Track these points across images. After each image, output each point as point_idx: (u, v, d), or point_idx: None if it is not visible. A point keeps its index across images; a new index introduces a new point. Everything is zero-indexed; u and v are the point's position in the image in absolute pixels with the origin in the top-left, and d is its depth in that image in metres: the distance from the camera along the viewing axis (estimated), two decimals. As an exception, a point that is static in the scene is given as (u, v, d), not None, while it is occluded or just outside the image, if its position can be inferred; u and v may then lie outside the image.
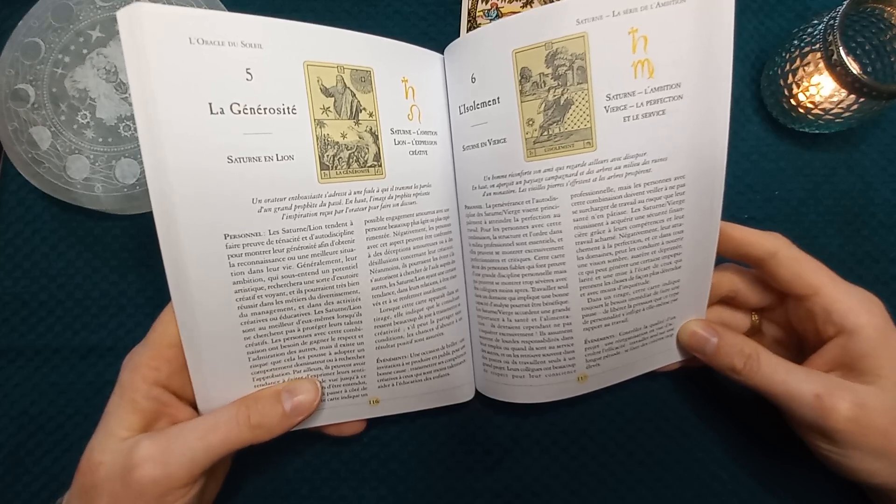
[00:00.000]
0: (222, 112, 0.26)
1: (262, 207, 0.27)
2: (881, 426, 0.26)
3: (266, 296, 0.28)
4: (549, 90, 0.29)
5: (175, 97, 0.25)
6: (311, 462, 0.36)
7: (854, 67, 0.31)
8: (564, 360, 0.32)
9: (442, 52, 0.33)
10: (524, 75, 0.29)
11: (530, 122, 0.29)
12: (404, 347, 0.31)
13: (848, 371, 0.28)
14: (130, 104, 0.36)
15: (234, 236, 0.27)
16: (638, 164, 0.29)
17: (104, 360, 0.37)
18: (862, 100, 0.33)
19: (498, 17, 0.40)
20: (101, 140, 0.35)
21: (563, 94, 0.29)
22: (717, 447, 0.36)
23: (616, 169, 0.29)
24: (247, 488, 0.36)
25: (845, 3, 0.32)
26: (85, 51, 0.36)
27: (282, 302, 0.28)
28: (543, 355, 0.32)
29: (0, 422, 0.36)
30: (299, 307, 0.29)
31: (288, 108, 0.27)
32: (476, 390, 0.35)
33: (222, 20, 0.26)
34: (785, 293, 0.31)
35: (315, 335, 0.30)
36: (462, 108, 0.32)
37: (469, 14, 0.40)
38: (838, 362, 0.29)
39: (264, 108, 0.27)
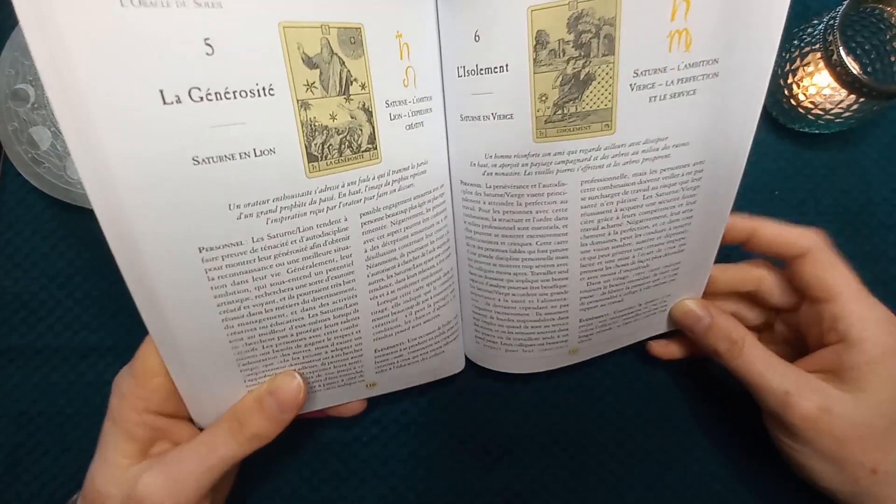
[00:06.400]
0: (178, 101, 0.20)
1: (241, 213, 0.23)
2: (840, 434, 0.27)
3: (253, 306, 0.25)
4: (568, 61, 0.25)
5: (110, 87, 0.19)
6: (311, 462, 0.36)
7: (854, 67, 0.31)
8: (558, 336, 0.32)
9: None
10: (540, 40, 0.25)
11: (543, 98, 0.26)
12: (402, 335, 0.30)
13: (832, 377, 0.28)
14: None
15: (211, 248, 0.23)
16: (657, 150, 0.26)
17: (104, 360, 0.37)
18: (862, 100, 0.33)
19: None
20: (100, 140, 0.35)
21: (584, 68, 0.25)
22: (718, 447, 0.36)
23: (633, 154, 0.26)
24: (246, 489, 0.36)
25: (845, 3, 0.32)
26: (85, 51, 0.36)
27: (272, 310, 0.26)
28: (538, 333, 0.32)
29: (0, 421, 0.36)
30: (291, 313, 0.26)
31: (263, 89, 0.22)
32: (467, 371, 0.35)
33: None
34: (802, 294, 0.31)
35: (310, 337, 0.28)
36: (461, 70, 0.27)
37: None
38: (827, 367, 0.28)
39: (233, 92, 0.21)
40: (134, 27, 0.19)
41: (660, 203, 0.28)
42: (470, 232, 0.31)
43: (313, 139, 0.24)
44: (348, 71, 0.24)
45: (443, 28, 0.28)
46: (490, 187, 0.28)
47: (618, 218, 0.28)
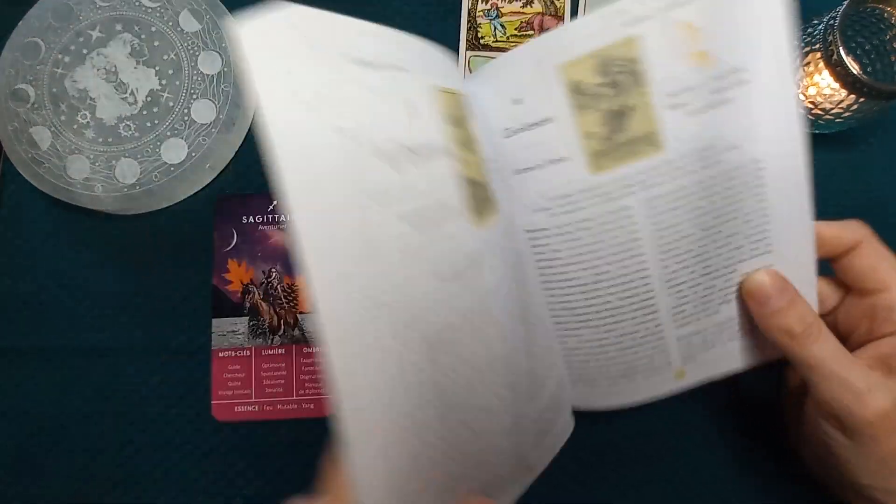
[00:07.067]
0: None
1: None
2: None
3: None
4: (606, 100, 0.27)
5: None
6: (312, 463, 0.36)
7: (854, 67, 0.31)
8: (658, 359, 0.31)
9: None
10: (577, 89, 0.28)
11: (590, 135, 0.28)
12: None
13: (889, 371, 0.27)
14: (131, 104, 0.36)
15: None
16: (708, 157, 0.27)
17: (105, 360, 0.37)
18: (862, 100, 0.33)
19: (498, 17, 0.40)
20: (101, 140, 0.35)
21: (621, 102, 0.27)
22: (719, 447, 0.36)
23: (687, 166, 0.27)
24: (248, 491, 0.36)
25: (845, 3, 0.32)
26: (85, 51, 0.36)
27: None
28: (636, 359, 0.31)
29: (1, 422, 0.36)
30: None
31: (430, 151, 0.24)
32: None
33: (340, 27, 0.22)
34: (847, 288, 0.30)
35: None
36: (508, 132, 0.30)
37: (469, 14, 0.40)
38: (883, 361, 0.27)
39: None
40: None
41: (727, 205, 0.28)
42: (545, 275, 0.31)
43: (468, 190, 0.27)
44: (469, 130, 0.28)
45: (481, 101, 0.30)
46: (558, 227, 0.30)
47: (690, 227, 0.28)
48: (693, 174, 0.28)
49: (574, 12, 0.40)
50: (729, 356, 0.32)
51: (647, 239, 0.28)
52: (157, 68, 0.36)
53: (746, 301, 0.30)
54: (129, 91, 0.36)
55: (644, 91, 0.27)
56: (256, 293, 0.37)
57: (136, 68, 0.36)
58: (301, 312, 0.37)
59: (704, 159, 0.27)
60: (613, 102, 0.27)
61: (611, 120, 0.27)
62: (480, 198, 0.27)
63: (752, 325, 0.30)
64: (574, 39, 0.27)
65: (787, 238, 0.29)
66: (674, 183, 0.28)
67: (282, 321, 0.37)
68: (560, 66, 0.27)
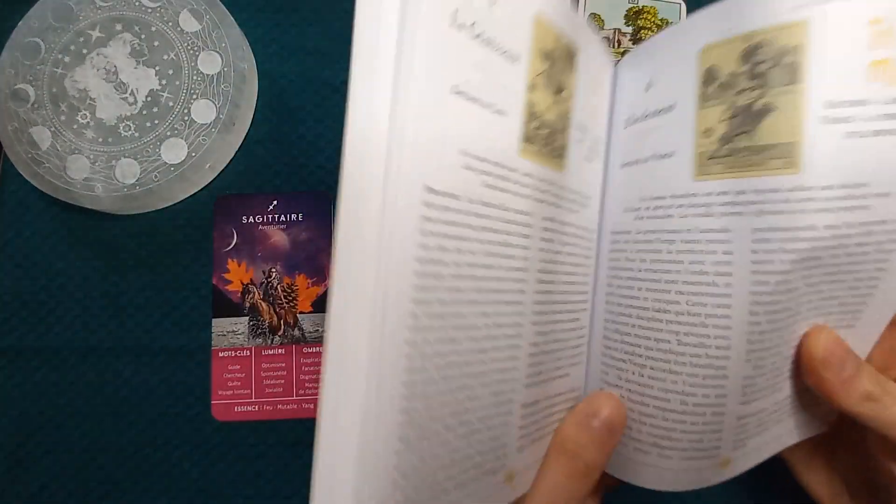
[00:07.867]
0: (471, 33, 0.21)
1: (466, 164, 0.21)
2: None
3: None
4: (739, 93, 0.22)
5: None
6: (310, 462, 0.36)
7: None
8: (708, 440, 0.24)
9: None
10: (709, 76, 0.23)
11: (707, 133, 0.23)
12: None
13: None
14: (131, 104, 0.36)
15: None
16: (855, 198, 0.21)
17: (104, 361, 0.37)
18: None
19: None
20: (101, 140, 0.35)
21: (759, 98, 0.22)
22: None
23: (826, 201, 0.21)
24: (248, 490, 0.36)
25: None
26: (85, 51, 0.36)
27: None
28: (681, 431, 0.24)
29: (0, 422, 0.36)
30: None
31: (511, 56, 0.22)
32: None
33: None
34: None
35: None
36: (627, 122, 0.26)
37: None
38: None
39: (494, 43, 0.22)
40: None
41: (847, 265, 0.22)
42: (611, 286, 0.26)
43: (531, 121, 0.23)
44: (564, 78, 0.24)
45: (618, 90, 0.27)
46: (640, 232, 0.24)
47: (797, 280, 0.22)
48: (830, 214, 0.21)
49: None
50: (774, 439, 0.26)
51: (741, 280, 0.22)
52: (157, 68, 0.36)
53: (818, 370, 0.24)
54: (129, 91, 0.36)
55: (797, 89, 0.21)
56: (256, 293, 0.37)
57: (136, 68, 0.36)
58: (301, 312, 0.37)
59: (850, 199, 0.21)
60: (750, 96, 0.22)
61: (739, 117, 0.22)
62: (542, 135, 0.23)
63: (802, 399, 0.25)
64: (727, 19, 0.22)
65: (878, 315, 0.24)
66: (802, 217, 0.21)
67: (282, 321, 0.37)
68: (702, 49, 0.23)
